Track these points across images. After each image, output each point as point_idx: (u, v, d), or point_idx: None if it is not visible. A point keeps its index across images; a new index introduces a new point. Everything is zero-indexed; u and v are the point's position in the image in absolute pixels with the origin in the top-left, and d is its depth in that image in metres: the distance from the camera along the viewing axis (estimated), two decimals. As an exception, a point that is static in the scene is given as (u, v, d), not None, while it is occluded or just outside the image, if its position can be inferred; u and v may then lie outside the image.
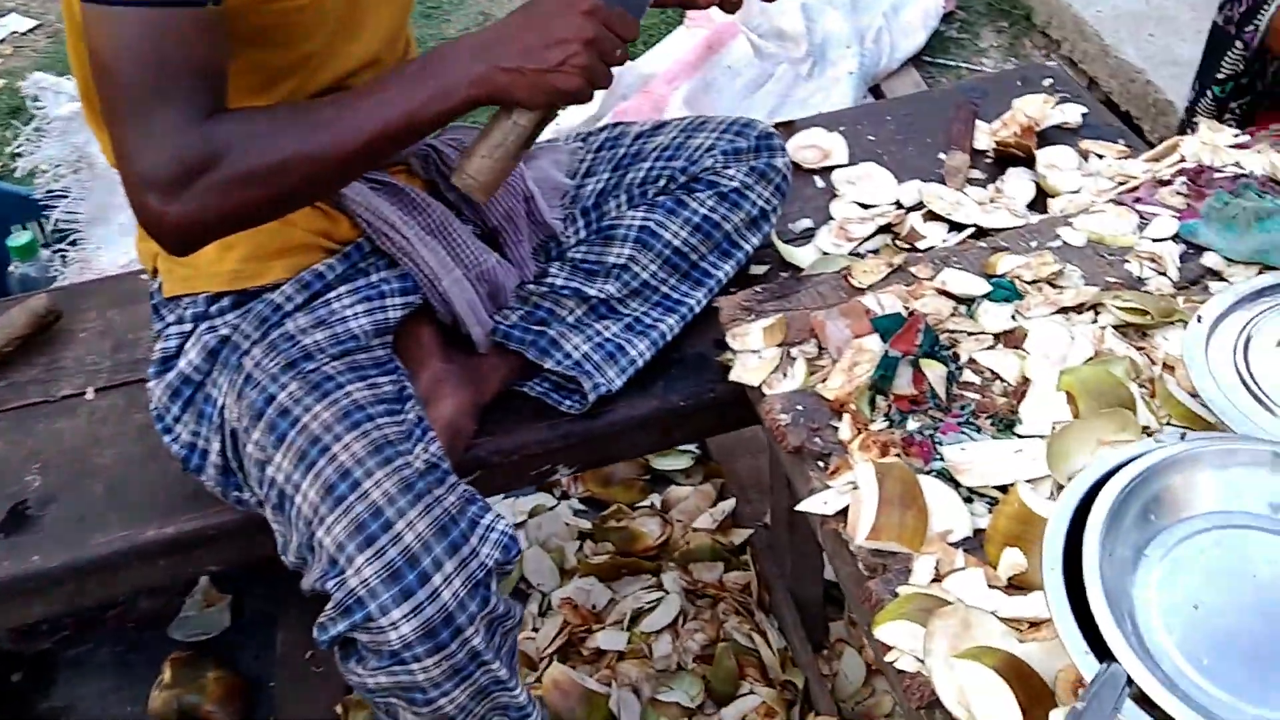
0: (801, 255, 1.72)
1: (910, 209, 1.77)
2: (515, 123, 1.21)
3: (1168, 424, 1.26)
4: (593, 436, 1.54)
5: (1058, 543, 1.03)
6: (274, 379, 1.28)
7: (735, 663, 1.70)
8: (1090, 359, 1.34)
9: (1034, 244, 1.54)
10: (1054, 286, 1.47)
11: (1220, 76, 1.85)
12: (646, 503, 2.07)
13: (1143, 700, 0.93)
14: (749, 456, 2.06)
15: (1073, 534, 1.04)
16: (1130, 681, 0.93)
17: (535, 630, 1.85)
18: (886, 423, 1.31)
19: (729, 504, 2.00)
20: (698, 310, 1.62)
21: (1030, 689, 1.03)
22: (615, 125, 1.71)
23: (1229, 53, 1.81)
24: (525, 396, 1.55)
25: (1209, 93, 1.89)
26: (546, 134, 2.60)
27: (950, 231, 1.72)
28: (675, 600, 1.82)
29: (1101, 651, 0.96)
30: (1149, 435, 1.23)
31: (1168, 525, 1.07)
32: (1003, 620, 1.10)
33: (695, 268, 1.62)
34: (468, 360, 1.50)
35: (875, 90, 2.95)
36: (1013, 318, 1.42)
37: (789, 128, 1.94)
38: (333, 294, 1.38)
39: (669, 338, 1.59)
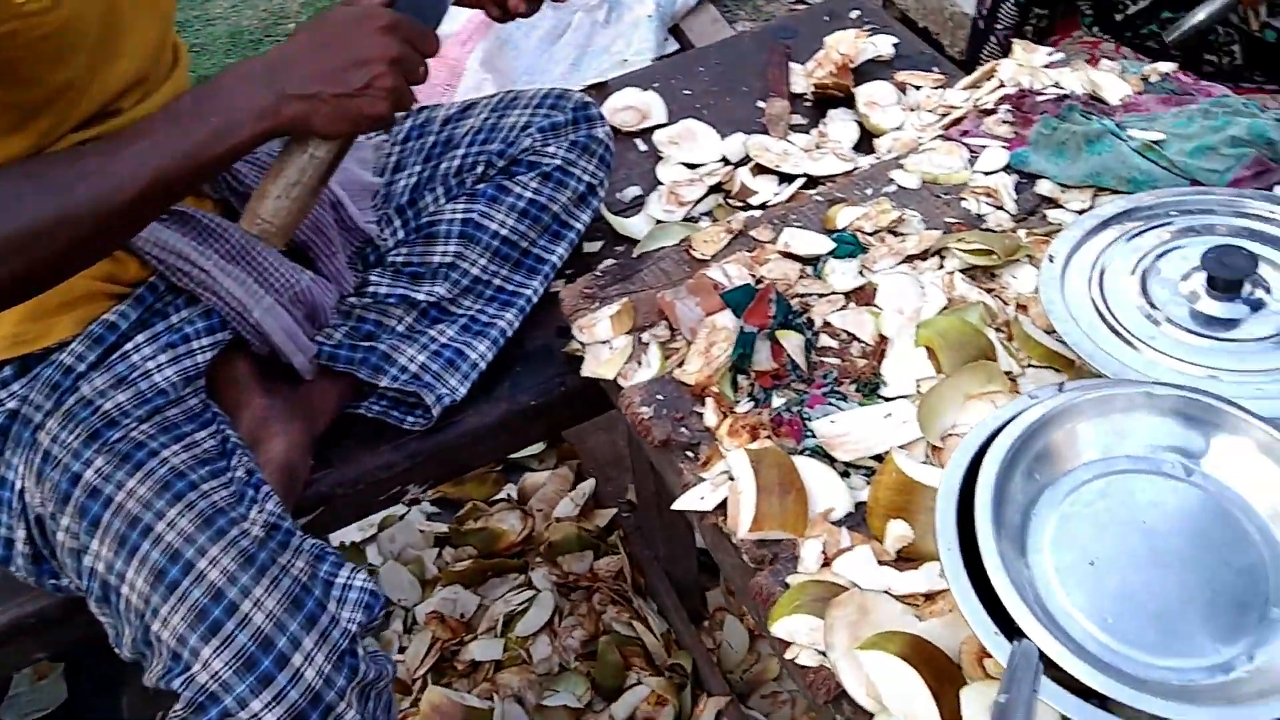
0: (634, 226, 1.65)
1: (737, 164, 1.71)
2: (312, 155, 1.08)
3: (1029, 366, 1.25)
4: (442, 451, 1.44)
5: (950, 522, 0.99)
6: (76, 455, 1.13)
7: (619, 655, 1.65)
8: (944, 309, 1.31)
9: (869, 191, 1.50)
10: (895, 234, 1.43)
11: None
12: (502, 495, 1.99)
13: (1054, 668, 0.91)
14: (601, 433, 1.99)
15: (961, 504, 1.01)
16: (1042, 656, 0.91)
17: (403, 651, 1.75)
18: (751, 403, 1.26)
19: (588, 485, 1.94)
20: (535, 300, 1.53)
21: (936, 668, 1.00)
22: (419, 111, 1.59)
23: None
24: (363, 418, 1.43)
25: (1006, 1, 1.88)
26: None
27: (781, 184, 1.67)
28: (548, 598, 1.74)
29: (1007, 626, 0.93)
30: (1012, 381, 1.22)
31: (1052, 481, 1.05)
32: (898, 599, 1.07)
33: (527, 255, 1.53)
34: (293, 391, 1.38)
35: (675, 31, 2.87)
36: (860, 273, 1.38)
37: (602, 90, 1.85)
38: (130, 345, 1.23)
39: (509, 333, 1.50)
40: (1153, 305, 1.18)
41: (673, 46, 2.84)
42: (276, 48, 1.08)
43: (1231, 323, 1.14)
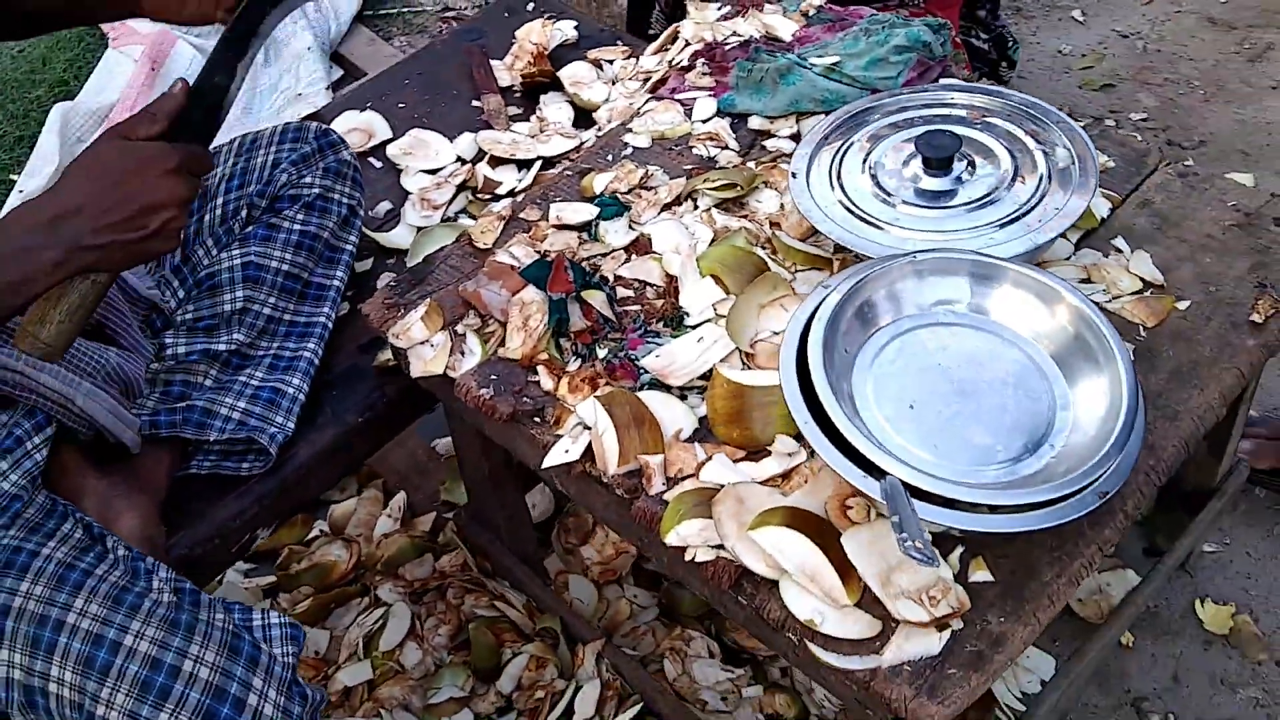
0: (397, 237, 1.72)
1: (474, 161, 1.82)
2: (95, 282, 1.11)
3: (797, 270, 1.45)
4: (286, 487, 1.47)
5: (800, 403, 1.16)
6: (-49, 576, 1.10)
7: (490, 635, 1.73)
8: (713, 240, 1.49)
9: (610, 158, 1.65)
10: (647, 189, 1.59)
11: None
12: (314, 533, 2.00)
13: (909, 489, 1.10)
14: (397, 447, 2.04)
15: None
16: (905, 485, 1.10)
17: (271, 704, 1.75)
18: (579, 360, 1.38)
19: (400, 498, 1.99)
20: (330, 325, 1.58)
21: (813, 527, 1.17)
22: (164, 172, 1.59)
23: None
24: (198, 476, 1.44)
25: None
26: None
27: (520, 170, 1.79)
28: (402, 608, 1.79)
29: (867, 470, 1.12)
30: (789, 285, 1.41)
31: (858, 350, 1.25)
32: (763, 484, 1.24)
33: (309, 285, 1.57)
34: (125, 467, 1.37)
35: (336, 58, 2.91)
36: (630, 228, 1.53)
37: (317, 119, 1.90)
38: (-33, 461, 1.19)
39: (316, 362, 1.54)
40: (886, 193, 1.40)
41: (339, 73, 2.87)
42: (57, 191, 1.08)
43: (950, 193, 1.38)
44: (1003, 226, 1.34)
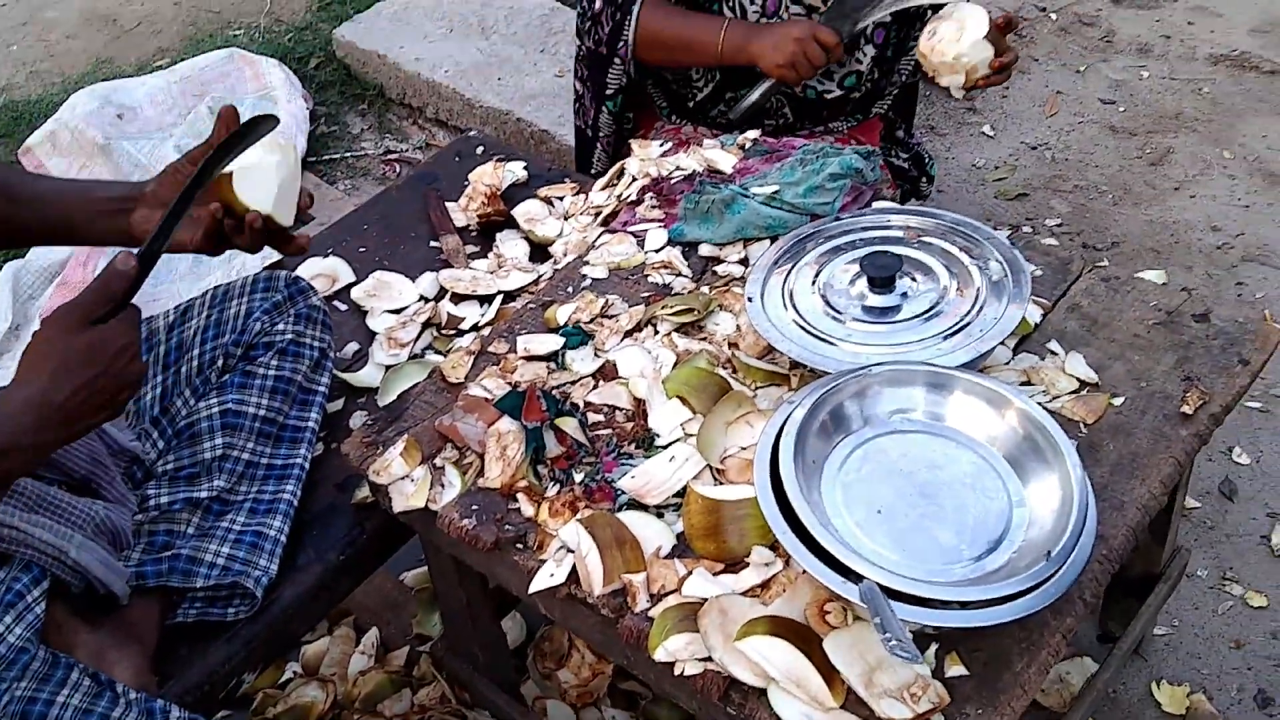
0: (367, 377, 1.77)
1: (436, 299, 1.89)
2: None
3: (758, 388, 1.52)
4: (272, 630, 1.49)
5: (777, 516, 1.23)
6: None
7: (474, 765, 1.74)
8: (675, 364, 1.56)
9: (570, 289, 1.73)
10: (608, 317, 1.67)
11: (609, 92, 2.15)
12: (288, 675, 2.00)
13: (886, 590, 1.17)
14: (366, 583, 2.05)
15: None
16: (881, 587, 1.16)
17: None
18: (557, 485, 1.44)
19: (373, 634, 2.00)
20: (307, 466, 1.62)
21: (795, 633, 1.23)
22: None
23: (610, 70, 2.11)
24: (185, 624, 1.46)
25: (604, 109, 2.19)
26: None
27: (482, 305, 1.86)
28: (383, 746, 1.80)
29: (846, 575, 1.18)
30: (752, 402, 1.48)
31: (824, 461, 1.32)
32: (743, 595, 1.29)
33: (285, 428, 1.62)
34: (115, 619, 1.39)
35: (283, 203, 2.98)
36: (596, 355, 1.61)
37: (281, 267, 1.96)
38: (-30, 619, 1.21)
39: (295, 503, 1.57)
40: (837, 311, 1.49)
41: (286, 217, 2.94)
42: (26, 384, 1.15)
43: (896, 308, 1.48)
44: (947, 337, 1.43)
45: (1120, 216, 2.85)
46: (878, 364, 1.38)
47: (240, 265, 2.69)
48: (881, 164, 2.08)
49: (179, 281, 2.72)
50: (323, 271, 1.94)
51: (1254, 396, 2.40)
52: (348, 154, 3.20)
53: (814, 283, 1.54)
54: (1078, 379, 1.53)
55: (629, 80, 2.14)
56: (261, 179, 1.36)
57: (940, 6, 1.90)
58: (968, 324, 1.44)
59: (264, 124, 1.31)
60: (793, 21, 1.99)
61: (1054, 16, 3.49)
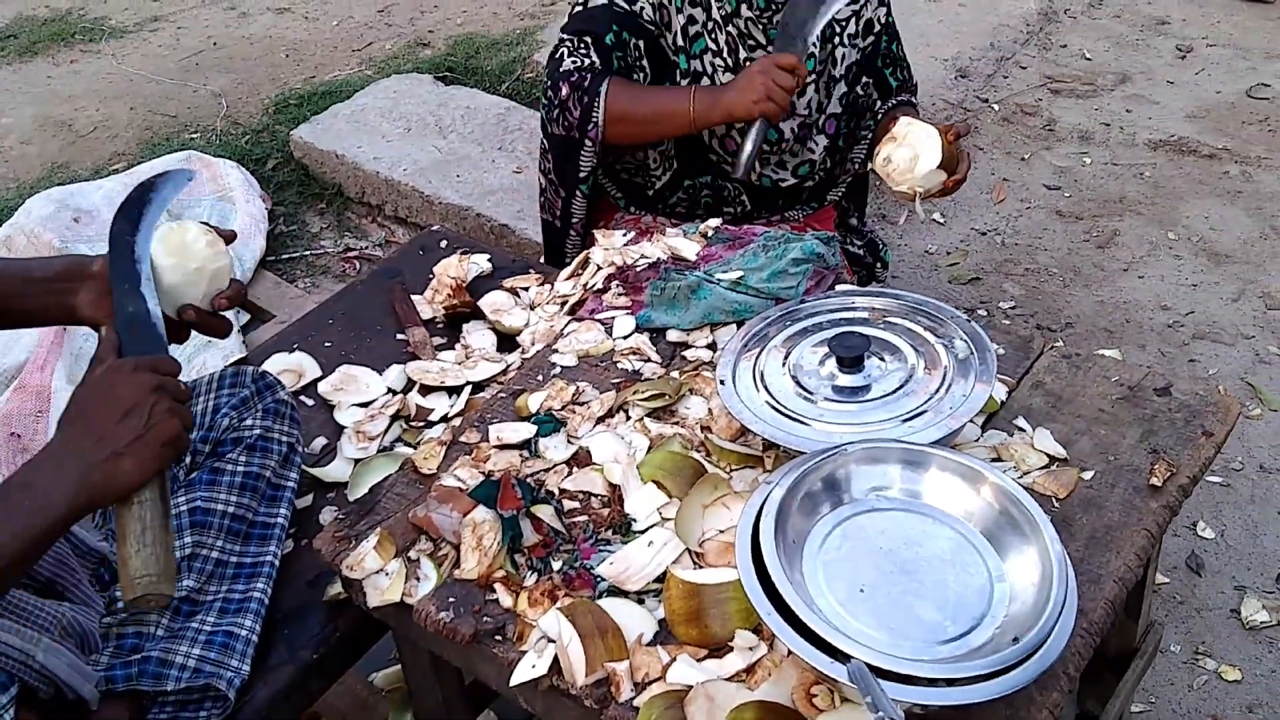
0: (336, 471, 1.75)
1: (404, 391, 1.88)
2: (142, 501, 1.15)
3: (733, 470, 1.53)
4: (244, 733, 1.45)
5: (762, 598, 1.22)
6: None
7: None
8: (649, 448, 1.56)
9: (540, 378, 1.74)
10: (580, 404, 1.67)
11: (582, 175, 2.18)
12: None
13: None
14: (335, 685, 2.01)
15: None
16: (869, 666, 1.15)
17: None
18: (535, 574, 1.42)
19: (344, 737, 1.95)
20: (277, 563, 1.59)
21: (784, 717, 1.22)
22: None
23: (582, 154, 2.14)
24: (156, 730, 1.42)
25: (578, 192, 2.21)
26: None
27: (451, 396, 1.86)
28: None
29: (832, 654, 1.17)
30: (728, 483, 1.49)
31: (803, 540, 1.32)
32: (729, 680, 1.28)
33: (254, 525, 1.59)
34: (82, 726, 1.34)
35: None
36: (569, 442, 1.60)
37: (246, 363, 1.94)
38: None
39: (266, 602, 1.54)
40: (808, 391, 1.50)
41: (245, 317, 2.94)
42: (56, 438, 1.17)
43: (866, 388, 1.50)
44: (918, 415, 1.45)
45: (1072, 298, 2.91)
46: (852, 442, 1.39)
47: (201, 364, 2.67)
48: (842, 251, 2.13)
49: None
50: (289, 367, 1.93)
51: (1214, 472, 2.44)
52: (307, 252, 3.20)
53: (784, 364, 1.55)
54: (1047, 454, 1.54)
55: (598, 163, 2.18)
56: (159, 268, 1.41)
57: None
58: (937, 402, 1.46)
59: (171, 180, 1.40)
60: (751, 68, 2.04)
61: (996, 107, 3.61)
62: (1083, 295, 2.92)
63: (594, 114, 2.06)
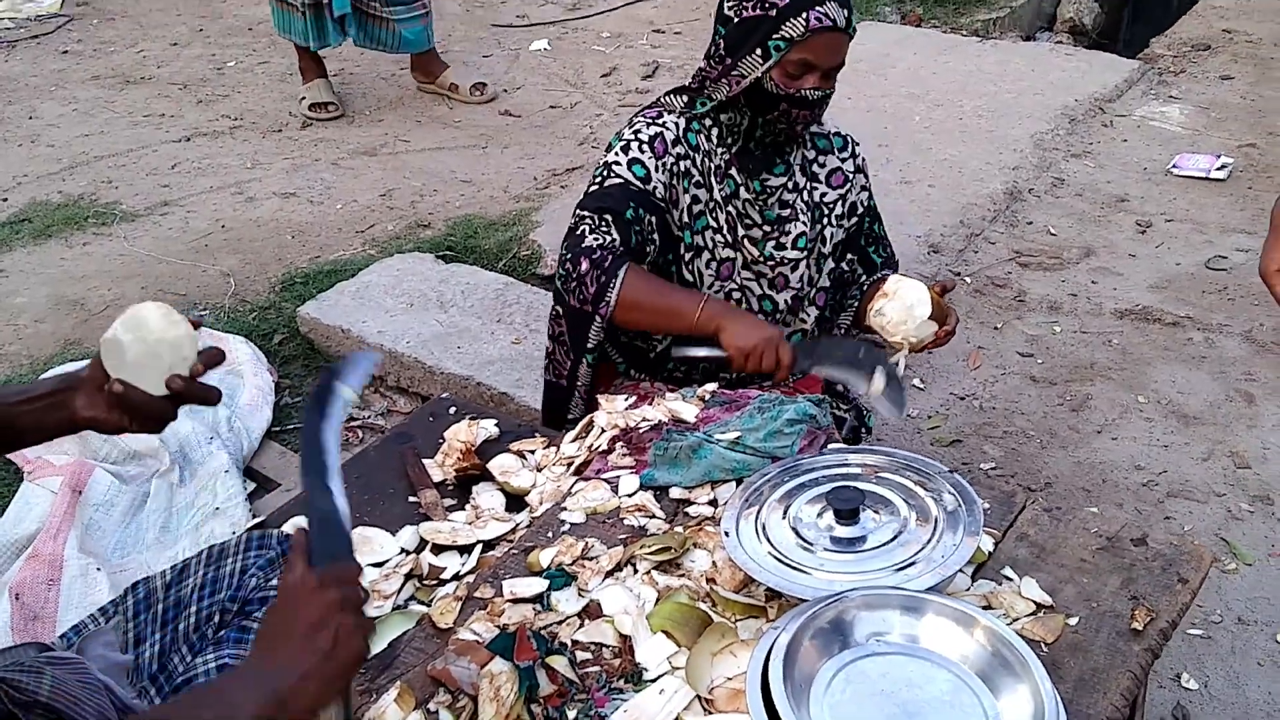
0: (352, 629, 1.82)
1: (417, 550, 1.96)
2: (326, 715, 1.21)
3: (738, 620, 1.61)
4: None
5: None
6: None
7: None
8: (658, 600, 1.64)
9: (550, 535, 1.83)
10: (589, 559, 1.76)
11: (590, 346, 2.30)
12: None
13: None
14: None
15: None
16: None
17: None
18: (551, 723, 1.48)
19: None
20: (297, 718, 1.64)
21: None
22: (137, 585, 1.69)
23: (592, 327, 2.26)
24: None
25: (584, 360, 2.33)
26: (74, 613, 2.40)
27: (463, 555, 1.94)
28: None
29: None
30: (734, 631, 1.56)
31: (808, 684, 1.39)
32: (744, 822, 1.33)
33: (276, 681, 1.64)
34: None
35: (249, 472, 3.06)
36: (580, 595, 1.68)
37: (266, 526, 2.02)
38: None
39: (286, 756, 1.58)
40: (808, 542, 1.60)
41: (252, 485, 3.02)
42: (248, 662, 1.23)
43: (862, 538, 1.59)
44: (912, 564, 1.54)
45: (1050, 459, 3.03)
46: (853, 590, 1.47)
47: (209, 532, 2.74)
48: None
49: (145, 551, 2.75)
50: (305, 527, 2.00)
51: (1195, 624, 2.52)
52: (310, 423, 3.30)
53: (784, 517, 1.65)
54: (1034, 602, 1.63)
55: (607, 336, 2.31)
56: (115, 348, 1.50)
57: (876, 351, 2.10)
58: (929, 551, 1.56)
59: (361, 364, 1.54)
60: (768, 325, 2.16)
61: (968, 280, 3.80)
62: (1060, 456, 3.04)
63: (608, 294, 2.17)
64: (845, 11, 2.16)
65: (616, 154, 2.28)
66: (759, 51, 2.16)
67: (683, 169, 2.28)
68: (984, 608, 1.61)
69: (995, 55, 5.49)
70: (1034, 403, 3.25)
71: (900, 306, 2.07)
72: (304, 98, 5.20)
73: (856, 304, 2.47)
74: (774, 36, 2.13)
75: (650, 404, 2.10)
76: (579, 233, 2.24)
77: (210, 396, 1.55)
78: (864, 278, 2.48)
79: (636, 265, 2.22)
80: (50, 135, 5.13)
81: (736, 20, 2.18)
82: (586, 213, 2.25)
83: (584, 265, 2.18)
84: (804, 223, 2.36)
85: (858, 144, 2.48)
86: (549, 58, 5.80)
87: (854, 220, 2.45)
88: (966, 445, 3.10)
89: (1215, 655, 2.45)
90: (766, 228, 2.34)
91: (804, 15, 2.11)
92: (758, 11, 2.14)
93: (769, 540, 1.61)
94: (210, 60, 5.92)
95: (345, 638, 1.21)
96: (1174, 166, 4.44)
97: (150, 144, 5.00)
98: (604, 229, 2.22)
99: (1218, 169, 4.37)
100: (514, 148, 4.86)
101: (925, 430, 3.17)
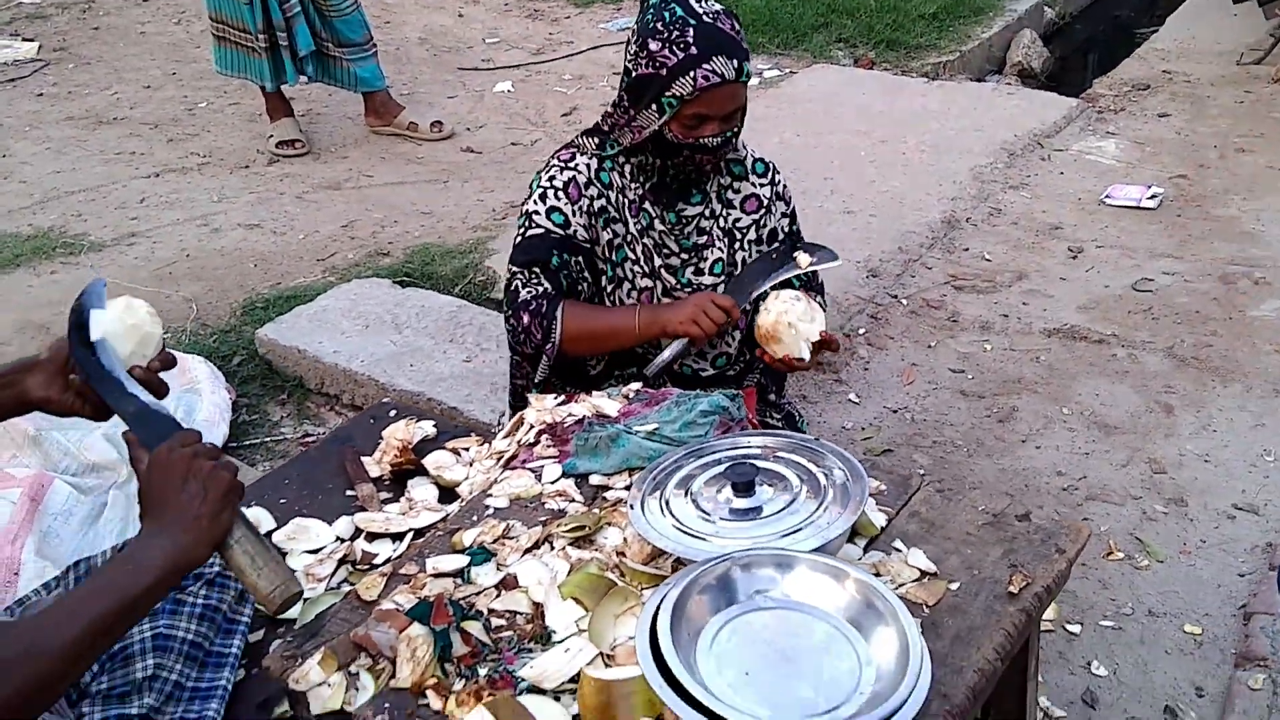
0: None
1: (351, 538, 2.07)
2: (237, 541, 1.47)
3: (641, 589, 1.72)
4: (194, 840, 1.57)
5: (664, 688, 1.40)
6: None
7: None
8: (570, 570, 1.76)
9: (475, 518, 1.94)
10: (509, 538, 1.87)
11: (537, 380, 2.45)
12: None
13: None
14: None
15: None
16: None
17: None
18: (463, 680, 1.59)
19: None
20: (229, 689, 1.73)
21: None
22: (79, 563, 1.79)
23: (540, 364, 2.41)
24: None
25: (532, 386, 2.47)
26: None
27: (394, 542, 2.04)
28: None
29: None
30: (638, 596, 1.68)
31: (695, 638, 1.51)
32: (633, 760, 1.44)
33: (210, 654, 1.75)
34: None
35: (205, 485, 3.16)
36: (498, 569, 1.80)
37: (208, 519, 2.13)
38: None
39: (219, 720, 1.69)
40: (706, 514, 1.72)
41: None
42: (140, 533, 1.45)
43: (757, 509, 1.71)
44: (800, 530, 1.66)
45: (976, 466, 3.16)
46: (738, 552, 1.60)
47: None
48: (753, 417, 2.38)
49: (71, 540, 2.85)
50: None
51: (1107, 616, 2.64)
52: (267, 439, 3.41)
53: (687, 493, 1.77)
54: (919, 569, 1.76)
55: (553, 370, 2.46)
56: (100, 318, 1.69)
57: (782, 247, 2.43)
58: (817, 518, 1.68)
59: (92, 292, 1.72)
60: (694, 295, 2.36)
61: (905, 302, 3.95)
62: (986, 464, 3.17)
63: (553, 334, 2.35)
64: (734, 62, 2.24)
65: (535, 202, 2.42)
66: (654, 107, 2.28)
67: (598, 208, 2.42)
68: (873, 575, 1.73)
69: (940, 95, 5.68)
70: (963, 415, 3.39)
71: (773, 314, 2.31)
72: (272, 135, 5.35)
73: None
74: (666, 94, 2.25)
75: (576, 401, 2.22)
76: (513, 288, 2.40)
77: (161, 390, 1.70)
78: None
79: (572, 301, 2.38)
80: (22, 172, 5.26)
81: (634, 74, 2.31)
82: (516, 268, 2.42)
83: (525, 319, 2.35)
84: (720, 249, 2.50)
85: (779, 171, 2.60)
86: (512, 98, 5.97)
87: (774, 246, 2.56)
88: (897, 454, 3.23)
89: (1125, 644, 2.57)
90: (684, 255, 2.48)
91: (691, 75, 2.22)
92: (649, 70, 2.26)
93: (672, 514, 1.73)
94: (182, 102, 6.07)
95: (212, 476, 1.42)
96: (1107, 196, 4.62)
97: (120, 180, 5.13)
98: (535, 281, 2.38)
99: (1149, 198, 4.55)
100: (474, 182, 5.01)
101: (859, 441, 3.30)
